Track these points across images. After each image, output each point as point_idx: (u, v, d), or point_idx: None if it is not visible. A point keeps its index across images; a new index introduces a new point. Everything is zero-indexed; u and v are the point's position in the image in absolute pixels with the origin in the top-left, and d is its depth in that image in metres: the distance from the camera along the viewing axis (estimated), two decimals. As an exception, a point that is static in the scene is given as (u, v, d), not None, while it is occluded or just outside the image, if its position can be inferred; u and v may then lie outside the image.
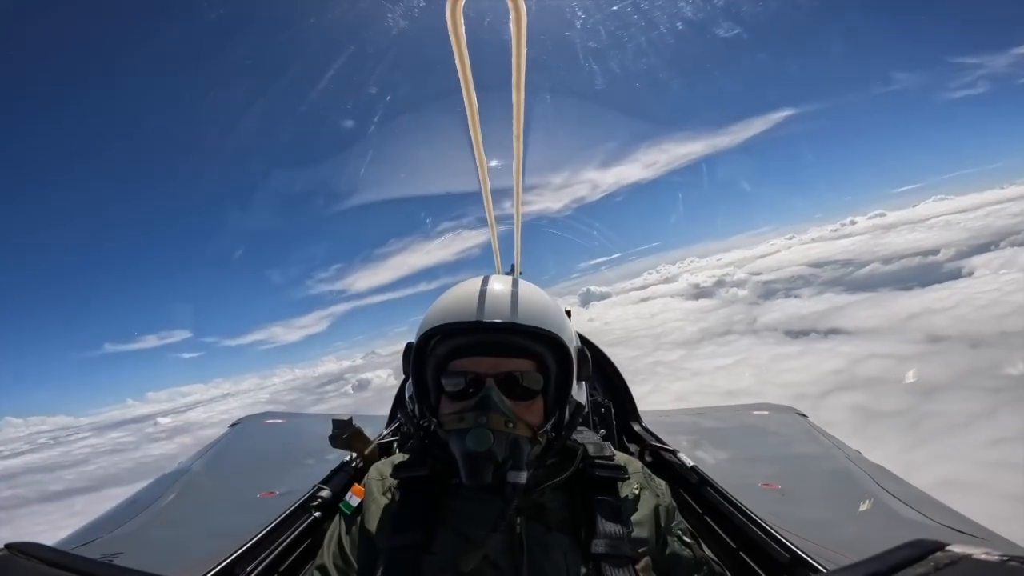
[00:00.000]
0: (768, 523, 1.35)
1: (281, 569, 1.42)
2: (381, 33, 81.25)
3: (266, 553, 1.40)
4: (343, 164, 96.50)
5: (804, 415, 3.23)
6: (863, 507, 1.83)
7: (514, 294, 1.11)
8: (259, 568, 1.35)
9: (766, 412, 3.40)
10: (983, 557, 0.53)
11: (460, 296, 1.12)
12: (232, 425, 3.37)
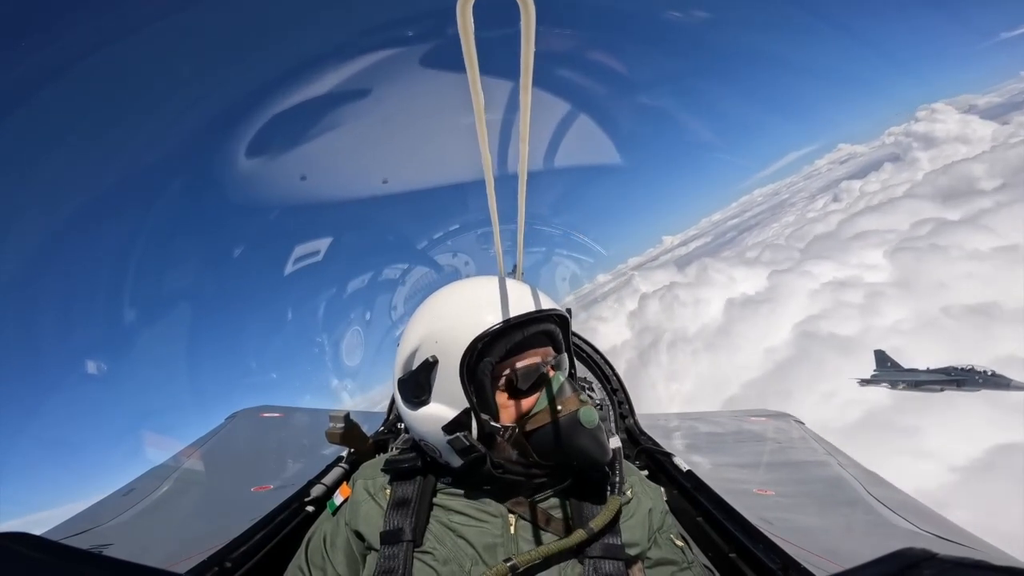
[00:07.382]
0: (761, 529, 1.36)
1: (273, 563, 1.42)
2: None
3: (258, 546, 1.40)
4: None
5: (801, 422, 3.24)
6: (855, 515, 1.84)
7: (535, 287, 1.17)
8: (251, 561, 1.35)
9: (763, 418, 3.41)
10: (973, 566, 0.53)
11: (501, 295, 1.11)
12: (228, 418, 3.38)
